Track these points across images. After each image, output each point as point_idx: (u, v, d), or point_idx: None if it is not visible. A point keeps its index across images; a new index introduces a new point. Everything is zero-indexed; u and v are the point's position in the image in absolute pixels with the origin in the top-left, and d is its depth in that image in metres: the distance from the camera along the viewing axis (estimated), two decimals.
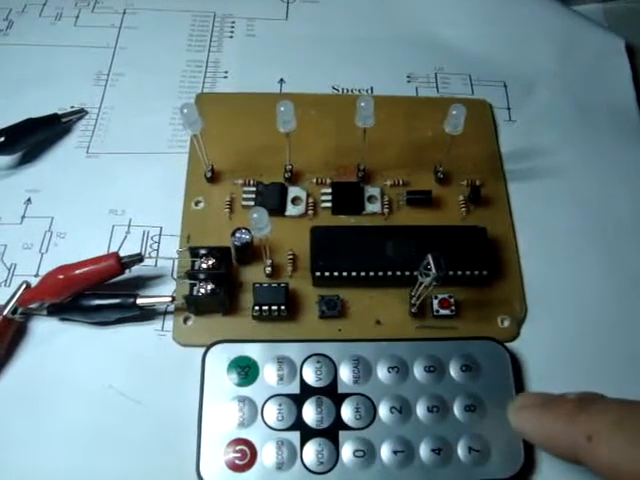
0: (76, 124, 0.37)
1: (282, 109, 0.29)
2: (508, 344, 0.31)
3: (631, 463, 0.21)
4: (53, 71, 0.39)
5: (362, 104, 0.29)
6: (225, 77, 0.39)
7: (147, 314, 0.31)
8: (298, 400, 0.29)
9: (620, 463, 0.21)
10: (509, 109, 0.38)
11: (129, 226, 0.34)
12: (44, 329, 0.31)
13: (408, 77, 0.39)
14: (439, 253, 0.27)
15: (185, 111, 0.30)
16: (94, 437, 0.28)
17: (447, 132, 0.31)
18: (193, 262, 0.31)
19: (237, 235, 0.31)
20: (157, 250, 0.33)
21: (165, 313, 0.31)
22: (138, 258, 0.31)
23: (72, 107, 0.37)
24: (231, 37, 0.41)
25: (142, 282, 0.32)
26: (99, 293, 0.30)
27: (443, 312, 0.31)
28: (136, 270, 0.32)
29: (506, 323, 0.32)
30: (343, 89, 0.39)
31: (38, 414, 0.29)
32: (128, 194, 0.34)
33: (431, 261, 0.27)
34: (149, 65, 0.39)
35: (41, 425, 0.29)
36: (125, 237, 0.33)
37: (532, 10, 0.41)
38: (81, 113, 0.37)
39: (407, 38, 0.41)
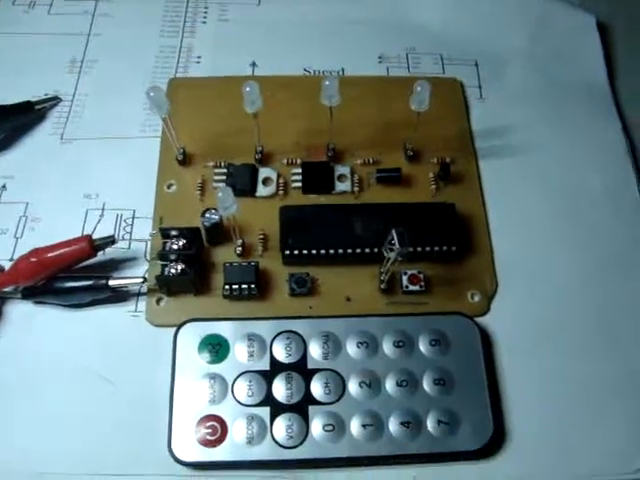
0: (50, 111, 0.37)
1: (247, 89, 0.30)
2: (478, 319, 0.31)
3: None
4: (27, 59, 0.39)
5: (326, 83, 0.30)
6: (198, 62, 0.39)
7: (121, 296, 0.31)
8: (268, 376, 0.29)
9: None
10: (480, 87, 0.38)
11: (103, 210, 0.34)
12: (19, 312, 0.31)
13: (379, 58, 0.39)
14: (403, 228, 0.27)
15: (152, 94, 0.30)
16: (68, 417, 0.29)
17: (413, 109, 0.31)
18: (164, 243, 0.31)
19: (206, 216, 0.31)
20: (130, 233, 0.33)
21: (138, 294, 0.32)
22: (110, 240, 0.31)
23: (46, 94, 0.37)
24: (204, 22, 0.41)
25: (116, 264, 0.32)
26: (72, 275, 0.31)
27: (412, 288, 0.31)
28: (110, 252, 0.32)
29: (476, 298, 0.32)
30: (315, 71, 0.39)
31: (13, 396, 0.29)
32: (102, 178, 0.35)
33: (395, 236, 0.27)
34: (123, 51, 0.39)
35: (16, 406, 0.29)
36: (99, 220, 0.34)
37: None
38: (55, 100, 0.37)
39: (378, 19, 0.41)
